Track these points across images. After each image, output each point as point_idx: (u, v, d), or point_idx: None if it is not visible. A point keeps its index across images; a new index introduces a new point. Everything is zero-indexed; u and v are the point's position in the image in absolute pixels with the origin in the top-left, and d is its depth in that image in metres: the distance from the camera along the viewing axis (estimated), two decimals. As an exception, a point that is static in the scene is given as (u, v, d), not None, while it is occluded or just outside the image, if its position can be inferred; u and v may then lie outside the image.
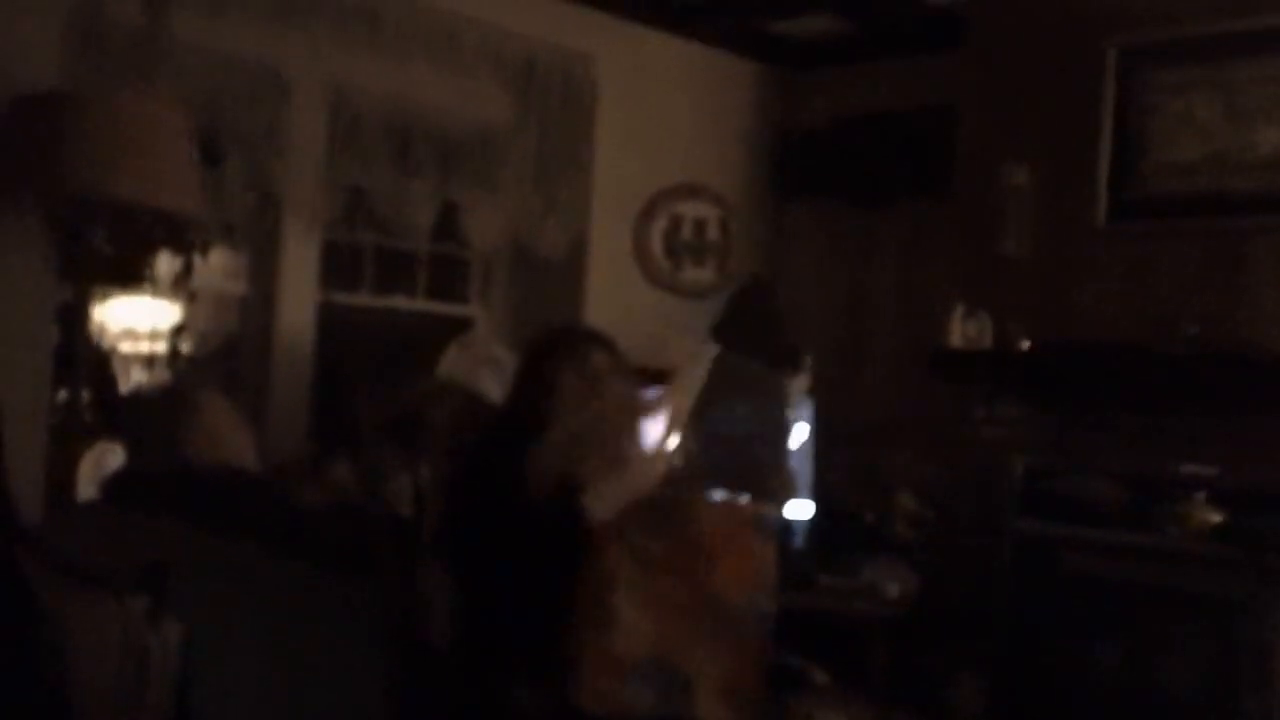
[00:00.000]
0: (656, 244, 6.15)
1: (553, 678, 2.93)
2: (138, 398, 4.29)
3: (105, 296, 4.37)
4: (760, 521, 3.31)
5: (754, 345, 4.64)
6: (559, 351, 3.44)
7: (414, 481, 3.80)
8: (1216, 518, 4.53)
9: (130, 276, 4.32)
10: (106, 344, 4.43)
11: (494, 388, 4.32)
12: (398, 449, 4.00)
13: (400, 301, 5.66)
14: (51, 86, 4.00)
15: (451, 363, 4.82)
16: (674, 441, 3.48)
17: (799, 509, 5.26)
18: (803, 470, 5.26)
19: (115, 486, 3.52)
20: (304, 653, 3.06)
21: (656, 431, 3.49)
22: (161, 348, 4.55)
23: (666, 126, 6.10)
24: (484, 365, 4.65)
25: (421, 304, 5.72)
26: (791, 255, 6.53)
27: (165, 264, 4.44)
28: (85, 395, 4.00)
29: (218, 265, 4.93)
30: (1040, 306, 5.11)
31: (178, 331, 4.61)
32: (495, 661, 3.05)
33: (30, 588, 1.63)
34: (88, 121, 3.71)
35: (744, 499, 3.38)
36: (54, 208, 3.91)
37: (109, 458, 3.97)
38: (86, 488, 3.86)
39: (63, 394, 4.06)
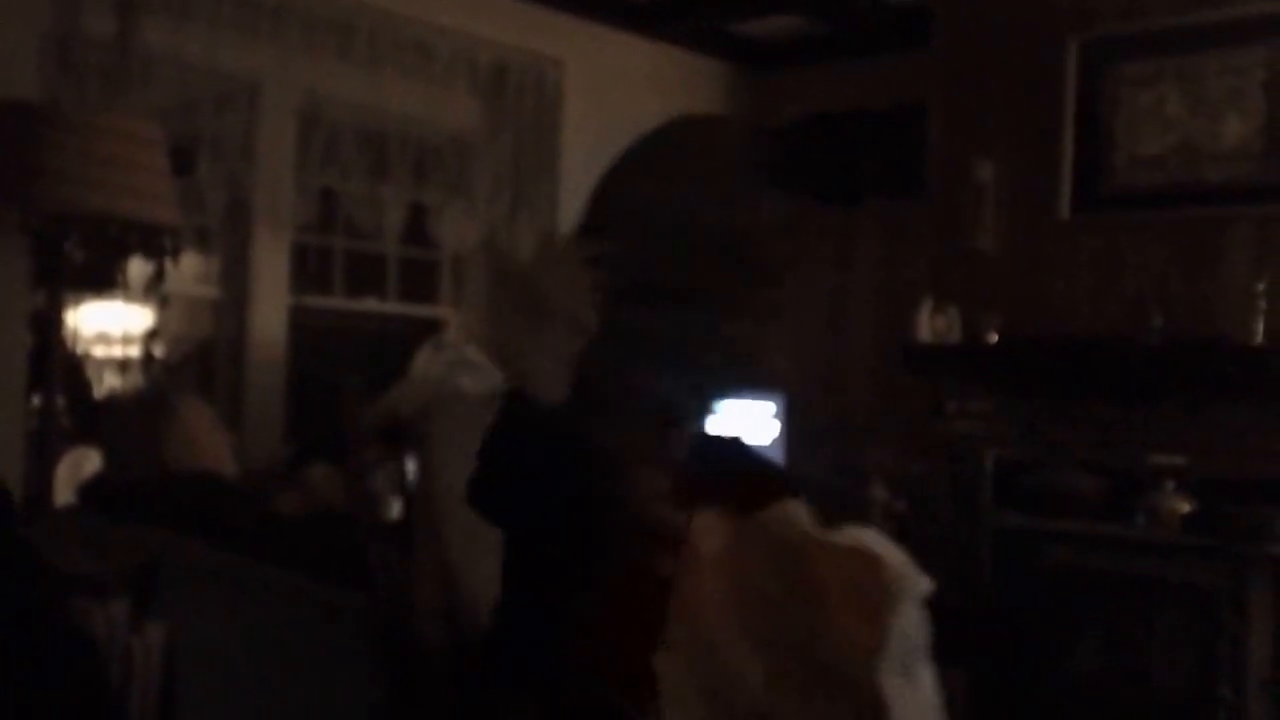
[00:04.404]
0: (621, 242, 6.15)
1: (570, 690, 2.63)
2: (113, 403, 4.28)
3: (78, 302, 4.36)
4: (896, 582, 2.72)
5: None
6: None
7: (398, 479, 3.79)
8: (1185, 507, 4.57)
9: (102, 282, 4.33)
10: (80, 349, 4.43)
11: (471, 389, 4.31)
12: (380, 448, 4.00)
13: (372, 304, 5.66)
14: (28, 96, 4.01)
15: (425, 365, 4.82)
16: None
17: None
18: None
19: (92, 492, 3.50)
20: (289, 657, 3.05)
21: None
22: (135, 352, 4.54)
23: (636, 128, 6.06)
24: (458, 367, 4.65)
25: (393, 306, 5.73)
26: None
27: (137, 269, 4.44)
28: (60, 400, 3.98)
29: (190, 270, 4.94)
30: (1013, 300, 5.15)
31: (151, 336, 4.60)
32: (503, 667, 2.81)
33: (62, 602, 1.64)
34: (63, 138, 3.72)
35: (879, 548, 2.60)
36: (28, 219, 3.91)
37: (85, 463, 3.96)
38: (63, 493, 3.85)
39: (37, 400, 4.05)
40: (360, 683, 3.11)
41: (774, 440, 5.40)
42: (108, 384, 4.49)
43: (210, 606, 3.06)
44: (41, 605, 1.89)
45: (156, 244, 4.16)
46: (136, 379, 4.51)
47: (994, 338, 5.12)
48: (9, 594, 1.90)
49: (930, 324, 5.21)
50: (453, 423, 2.80)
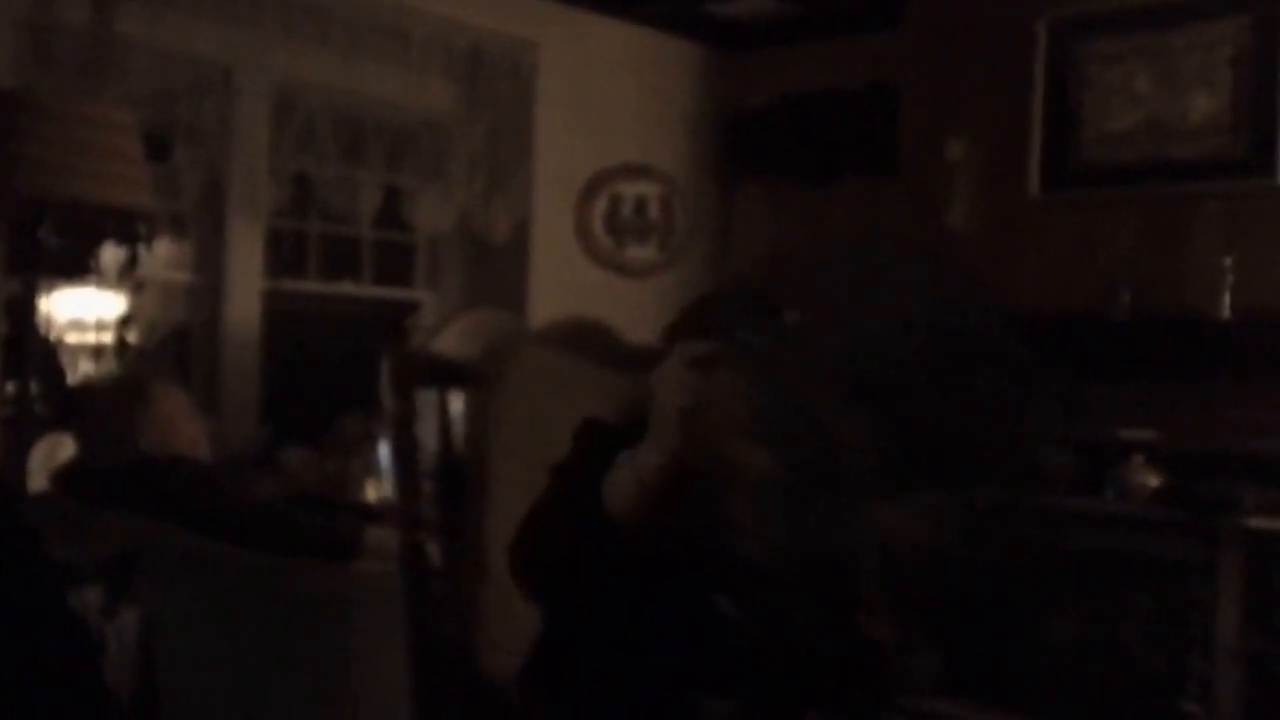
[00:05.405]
0: (598, 224, 6.17)
1: None
2: (88, 389, 4.28)
3: (51, 288, 4.37)
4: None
5: None
6: None
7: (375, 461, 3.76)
8: (1154, 481, 4.59)
9: (76, 268, 4.33)
10: (54, 336, 4.42)
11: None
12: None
13: (347, 287, 5.67)
14: (3, 83, 4.03)
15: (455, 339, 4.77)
16: None
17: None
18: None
19: (67, 478, 3.51)
20: (265, 641, 3.07)
21: None
22: (109, 338, 4.54)
23: (612, 110, 6.12)
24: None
25: (368, 290, 5.74)
26: (741, 234, 6.57)
27: (110, 255, 4.45)
28: (34, 387, 3.99)
29: (164, 255, 4.94)
30: (984, 277, 5.16)
31: (125, 322, 4.60)
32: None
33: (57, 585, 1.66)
34: (38, 125, 3.73)
35: None
36: (3, 206, 3.92)
37: (59, 450, 3.96)
38: (38, 480, 3.86)
39: (11, 387, 4.05)
40: (339, 667, 3.13)
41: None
42: (82, 370, 4.49)
43: (187, 592, 3.08)
44: (43, 593, 1.90)
45: (131, 230, 4.18)
46: (111, 365, 4.51)
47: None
48: (13, 582, 1.91)
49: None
50: (520, 370, 2.60)
